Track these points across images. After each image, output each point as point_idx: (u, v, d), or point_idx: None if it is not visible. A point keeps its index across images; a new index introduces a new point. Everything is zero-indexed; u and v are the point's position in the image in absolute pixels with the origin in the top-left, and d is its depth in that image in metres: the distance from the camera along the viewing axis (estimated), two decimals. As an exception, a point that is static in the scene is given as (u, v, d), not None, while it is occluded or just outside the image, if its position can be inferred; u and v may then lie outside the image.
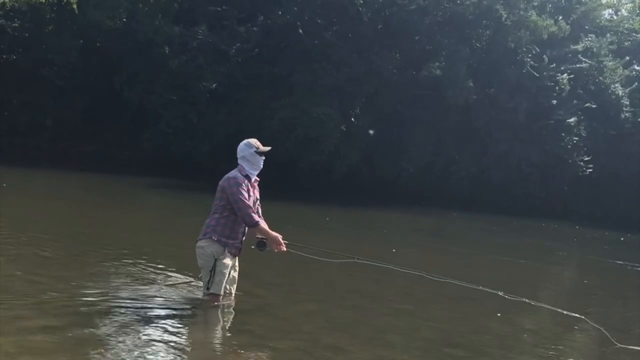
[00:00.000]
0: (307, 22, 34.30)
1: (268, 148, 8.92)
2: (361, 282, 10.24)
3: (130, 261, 11.38)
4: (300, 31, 34.09)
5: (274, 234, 8.75)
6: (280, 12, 35.14)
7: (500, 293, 9.26)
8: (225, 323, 8.72)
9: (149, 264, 11.26)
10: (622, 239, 28.73)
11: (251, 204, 8.76)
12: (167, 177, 28.44)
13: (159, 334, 7.69)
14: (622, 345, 9.22)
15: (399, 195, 32.50)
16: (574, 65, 36.93)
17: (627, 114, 38.99)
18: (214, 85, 33.10)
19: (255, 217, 8.62)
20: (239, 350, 7.76)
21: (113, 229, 15.18)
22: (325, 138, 33.13)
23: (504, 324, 9.99)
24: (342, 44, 34.60)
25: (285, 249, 8.77)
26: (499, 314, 10.30)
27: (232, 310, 8.96)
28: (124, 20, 33.18)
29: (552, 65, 36.08)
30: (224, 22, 34.59)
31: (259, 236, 8.75)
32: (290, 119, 32.94)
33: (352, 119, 34.35)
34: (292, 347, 7.90)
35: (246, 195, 8.62)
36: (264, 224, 8.75)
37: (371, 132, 34.91)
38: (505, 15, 35.33)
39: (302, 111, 32.98)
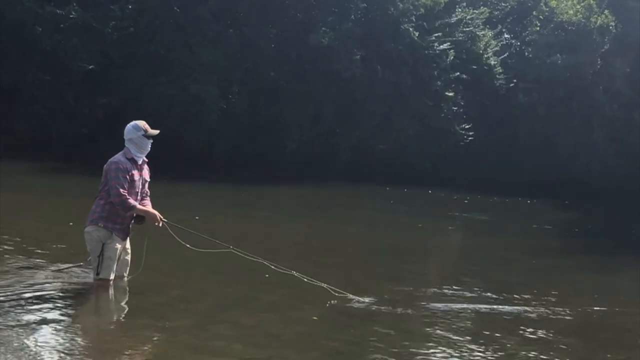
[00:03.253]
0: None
1: (156, 131, 8.89)
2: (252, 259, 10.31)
3: (13, 248, 11.12)
4: (175, 8, 33.69)
5: (152, 211, 8.81)
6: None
7: (231, 247, 9.49)
8: (119, 306, 8.69)
9: (33, 250, 11.04)
10: (466, 200, 29.78)
11: (135, 188, 8.74)
12: (45, 160, 27.65)
13: (50, 323, 7.58)
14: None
15: (282, 170, 32.52)
16: (450, 38, 37.61)
17: (500, 81, 40.15)
18: (91, 66, 32.36)
19: (130, 201, 8.55)
20: (135, 332, 7.76)
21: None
22: (205, 114, 32.88)
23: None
24: (217, 19, 34.33)
25: (160, 223, 8.81)
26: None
27: (126, 293, 8.94)
28: (-8, 0, 32.04)
29: (431, 37, 36.69)
30: (96, 0, 33.79)
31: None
32: (169, 97, 32.57)
33: (230, 96, 34.13)
34: (189, 324, 7.95)
35: (123, 181, 8.53)
36: (141, 206, 8.77)
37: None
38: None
39: (181, 88, 32.64)
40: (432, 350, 7.88)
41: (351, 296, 9.55)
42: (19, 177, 24.07)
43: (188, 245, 9.20)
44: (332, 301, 9.36)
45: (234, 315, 8.46)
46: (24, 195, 19.33)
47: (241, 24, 34.68)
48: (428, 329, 8.73)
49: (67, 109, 32.39)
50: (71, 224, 13.68)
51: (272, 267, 9.59)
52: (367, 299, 9.62)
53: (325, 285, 9.52)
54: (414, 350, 7.89)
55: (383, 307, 9.45)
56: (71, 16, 32.62)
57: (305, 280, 9.52)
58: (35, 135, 32.02)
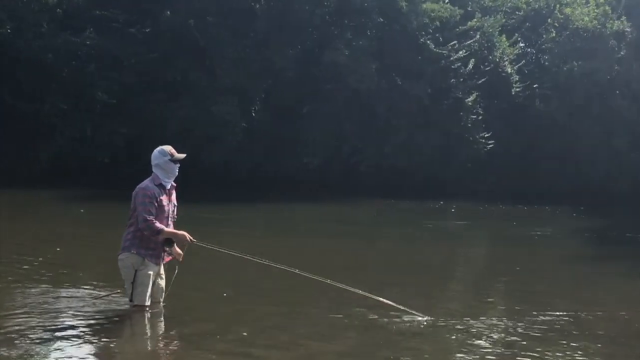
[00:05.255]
0: (199, 20, 33.92)
1: (183, 155, 8.88)
2: (283, 279, 10.26)
3: (45, 276, 11.17)
4: (194, 31, 33.77)
5: (181, 232, 8.76)
6: (169, 13, 34.60)
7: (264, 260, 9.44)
8: (155, 331, 8.67)
9: (67, 278, 11.09)
10: (487, 209, 30.03)
11: (165, 213, 8.75)
12: (68, 188, 27.77)
13: (87, 349, 7.60)
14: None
15: (303, 188, 32.51)
16: (466, 46, 37.61)
17: (517, 89, 40.11)
18: (109, 92, 32.41)
19: (156, 225, 8.53)
20: (173, 358, 7.75)
21: (22, 244, 14.71)
22: (227, 136, 32.94)
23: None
24: (237, 40, 34.45)
25: (189, 240, 8.78)
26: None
27: (161, 318, 8.90)
28: (9, 30, 32.25)
29: (447, 47, 36.71)
30: (112, 25, 33.88)
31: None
32: (190, 120, 32.66)
33: (253, 114, 34.22)
34: (229, 348, 7.92)
35: (150, 207, 8.54)
36: (168, 229, 8.76)
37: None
38: (400, 2, 35.84)
39: (202, 110, 32.73)
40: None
41: (390, 303, 9.40)
42: (41, 205, 24.20)
43: (233, 253, 9.20)
44: (375, 316, 9.35)
45: (273, 336, 8.42)
46: (48, 223, 19.44)
47: (261, 45, 34.76)
48: (468, 343, 8.61)
49: (86, 137, 32.43)
50: (58, 249, 13.96)
51: (310, 277, 9.41)
52: (399, 311, 9.52)
53: (368, 294, 9.42)
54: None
55: (420, 322, 9.31)
56: (87, 43, 32.76)
57: (346, 288, 9.42)
58: (56, 163, 32.19)
